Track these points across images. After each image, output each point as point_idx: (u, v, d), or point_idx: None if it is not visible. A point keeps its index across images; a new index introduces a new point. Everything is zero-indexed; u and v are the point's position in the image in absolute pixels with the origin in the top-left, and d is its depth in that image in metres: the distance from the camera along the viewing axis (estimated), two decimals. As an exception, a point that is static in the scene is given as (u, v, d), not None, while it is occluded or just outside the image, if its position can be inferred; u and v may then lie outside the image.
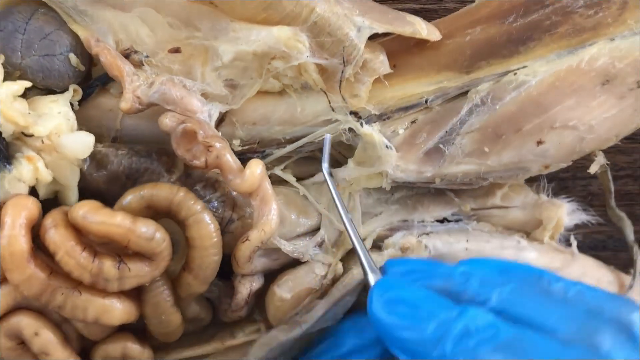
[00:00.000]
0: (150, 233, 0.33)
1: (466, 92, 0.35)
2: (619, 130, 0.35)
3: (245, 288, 0.37)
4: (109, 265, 0.32)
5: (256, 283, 0.37)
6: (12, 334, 0.33)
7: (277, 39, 0.34)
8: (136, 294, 0.35)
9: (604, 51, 0.34)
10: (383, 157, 0.35)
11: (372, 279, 0.33)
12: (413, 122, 0.36)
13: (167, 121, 0.35)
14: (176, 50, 0.36)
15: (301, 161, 0.39)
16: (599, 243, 0.45)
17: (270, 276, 0.39)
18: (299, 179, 0.39)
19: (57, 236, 0.32)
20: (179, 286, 0.35)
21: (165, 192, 0.34)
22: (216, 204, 0.36)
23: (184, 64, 0.36)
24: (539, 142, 0.34)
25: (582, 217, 0.40)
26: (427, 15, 0.41)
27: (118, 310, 0.33)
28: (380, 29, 0.34)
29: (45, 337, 0.33)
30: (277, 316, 0.38)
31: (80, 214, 0.32)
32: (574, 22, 0.34)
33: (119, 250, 0.33)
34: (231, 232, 0.36)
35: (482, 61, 0.35)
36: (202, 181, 0.37)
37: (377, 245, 0.38)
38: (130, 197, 0.34)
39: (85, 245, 0.32)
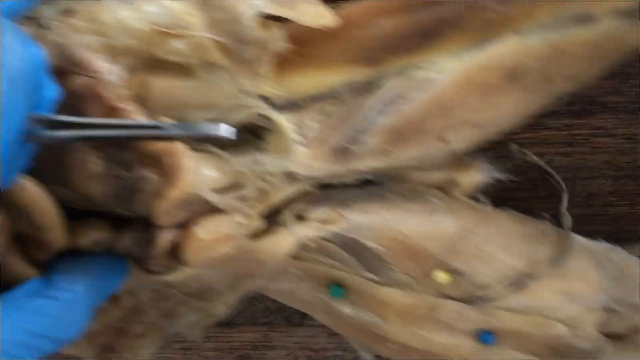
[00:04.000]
0: None
1: (374, 86, 0.35)
2: (524, 118, 0.35)
3: (164, 240, 0.36)
4: None
5: (174, 234, 0.37)
6: None
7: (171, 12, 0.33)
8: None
9: (512, 47, 0.33)
10: (293, 154, 0.35)
11: None
12: (322, 114, 0.36)
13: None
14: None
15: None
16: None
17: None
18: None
19: None
20: None
21: None
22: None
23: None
24: (444, 141, 0.35)
25: (494, 173, 0.41)
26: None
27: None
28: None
29: None
30: (193, 257, 0.37)
31: None
32: (484, 17, 0.33)
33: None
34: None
35: (389, 54, 0.34)
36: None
37: (299, 216, 0.39)
38: None
39: None
